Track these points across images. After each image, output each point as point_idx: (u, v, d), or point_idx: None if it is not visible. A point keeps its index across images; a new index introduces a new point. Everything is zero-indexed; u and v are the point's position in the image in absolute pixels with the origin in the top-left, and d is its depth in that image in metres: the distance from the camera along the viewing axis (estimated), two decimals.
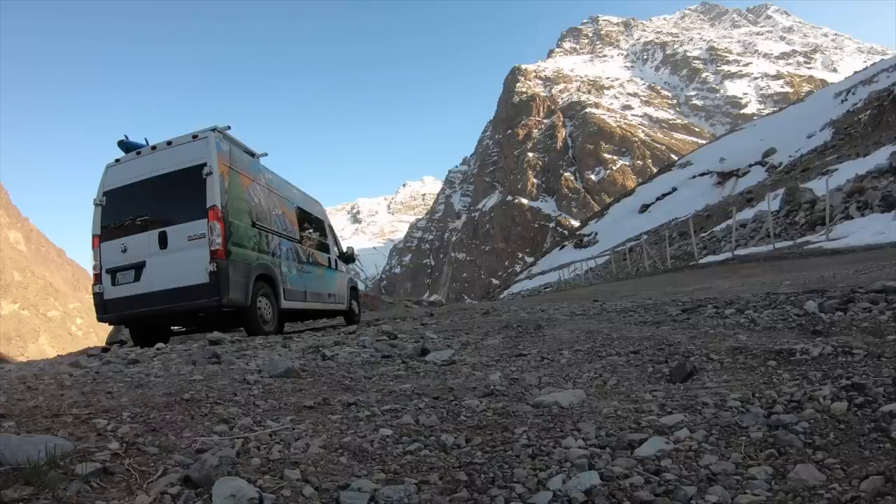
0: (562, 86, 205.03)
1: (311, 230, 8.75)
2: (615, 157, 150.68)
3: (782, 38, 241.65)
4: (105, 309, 6.37)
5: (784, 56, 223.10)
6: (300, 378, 3.46)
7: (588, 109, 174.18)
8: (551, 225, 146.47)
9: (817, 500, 1.39)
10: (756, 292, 5.47)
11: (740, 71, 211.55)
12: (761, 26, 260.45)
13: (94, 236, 6.49)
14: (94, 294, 6.42)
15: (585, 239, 59.90)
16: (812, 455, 1.64)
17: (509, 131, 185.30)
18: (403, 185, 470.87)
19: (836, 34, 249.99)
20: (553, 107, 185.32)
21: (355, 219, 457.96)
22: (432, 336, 5.42)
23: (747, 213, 22.94)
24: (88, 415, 2.45)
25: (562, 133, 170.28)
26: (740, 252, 16.10)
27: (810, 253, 11.87)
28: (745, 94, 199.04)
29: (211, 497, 1.55)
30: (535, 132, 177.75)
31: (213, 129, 6.46)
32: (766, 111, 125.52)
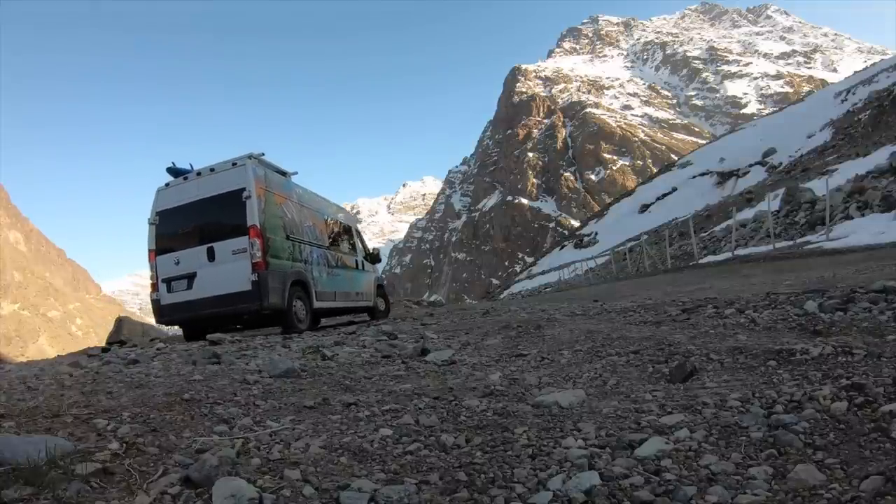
0: (562, 86, 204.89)
1: (339, 236, 9.60)
2: (615, 157, 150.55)
3: (782, 38, 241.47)
4: (162, 313, 7.27)
5: (784, 56, 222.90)
6: (300, 378, 3.46)
7: (588, 109, 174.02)
8: (551, 225, 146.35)
9: (817, 500, 1.39)
10: (756, 292, 5.47)
11: (740, 71, 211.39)
12: (761, 26, 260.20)
13: (150, 251, 7.35)
14: (153, 300, 7.32)
15: (585, 239, 59.88)
16: (812, 455, 1.64)
17: (509, 131, 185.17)
18: (403, 185, 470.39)
19: (836, 34, 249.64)
20: (553, 107, 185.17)
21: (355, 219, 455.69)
22: (432, 336, 5.42)
23: (747, 213, 22.90)
24: (88, 415, 2.45)
25: (562, 133, 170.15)
26: (740, 252, 16.08)
27: (810, 253, 11.86)
28: (745, 94, 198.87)
29: (211, 497, 1.55)
30: (535, 132, 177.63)
31: (250, 157, 7.25)
32: (766, 111, 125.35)
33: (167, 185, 7.56)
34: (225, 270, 6.79)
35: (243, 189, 6.84)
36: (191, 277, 7.00)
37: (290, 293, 7.10)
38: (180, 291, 7.06)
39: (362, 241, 10.64)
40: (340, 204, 10.93)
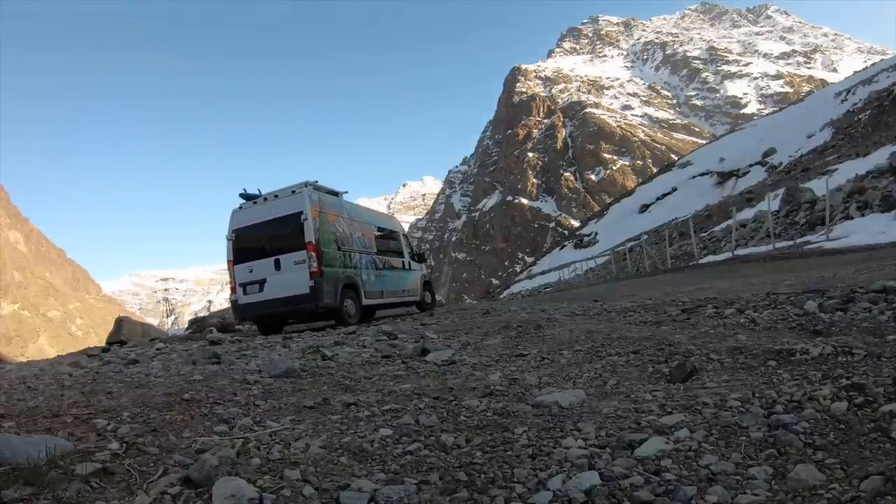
0: (562, 86, 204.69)
1: (386, 242, 10.93)
2: (615, 157, 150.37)
3: (782, 38, 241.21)
4: (239, 311, 8.84)
5: (784, 56, 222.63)
6: (300, 378, 3.46)
7: (588, 109, 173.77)
8: (551, 225, 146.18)
9: (817, 500, 1.39)
10: (756, 292, 5.47)
11: (740, 71, 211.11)
12: (761, 26, 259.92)
13: (228, 261, 8.95)
14: (232, 301, 8.94)
15: (585, 239, 59.83)
16: (812, 455, 1.64)
17: (509, 131, 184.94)
18: (403, 185, 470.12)
19: (836, 34, 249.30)
20: (553, 107, 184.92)
21: None
22: (432, 336, 5.42)
23: (747, 213, 22.87)
24: (88, 415, 2.46)
25: (562, 133, 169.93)
26: (740, 252, 16.07)
27: (810, 253, 11.84)
28: (745, 94, 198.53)
29: (211, 497, 1.55)
30: (535, 132, 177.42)
31: (306, 184, 8.73)
32: (766, 111, 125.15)
33: (240, 207, 9.04)
34: (289, 277, 8.24)
35: (301, 212, 8.28)
36: (262, 282, 8.52)
37: (341, 294, 8.52)
38: (253, 294, 8.59)
39: (409, 244, 11.99)
40: None
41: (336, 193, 9.66)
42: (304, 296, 8.10)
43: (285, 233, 8.43)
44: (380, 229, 10.88)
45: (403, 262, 11.38)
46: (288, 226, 8.39)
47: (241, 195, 9.19)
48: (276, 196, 8.76)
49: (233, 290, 8.87)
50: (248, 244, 8.83)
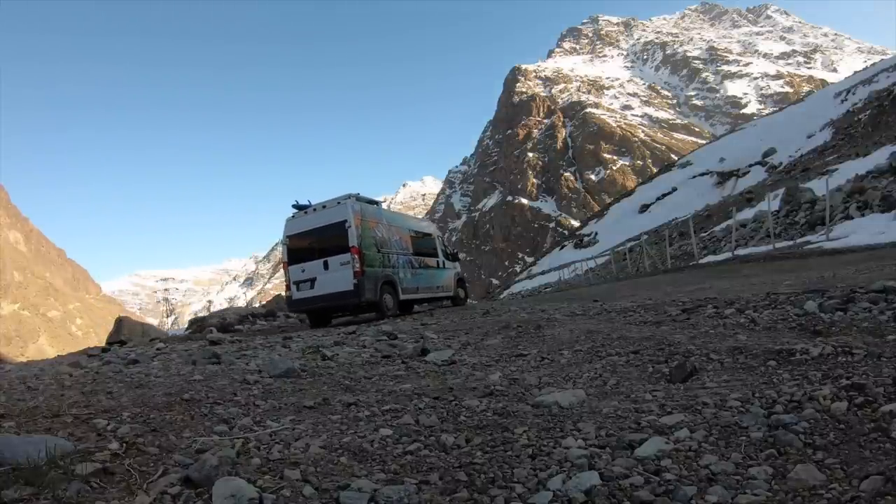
0: (562, 86, 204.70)
1: (421, 244, 12.24)
2: (615, 157, 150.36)
3: (782, 38, 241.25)
4: (293, 305, 10.21)
5: (784, 56, 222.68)
6: (300, 378, 3.46)
7: (588, 109, 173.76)
8: (551, 225, 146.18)
9: (817, 500, 1.39)
10: (756, 292, 5.46)
11: (740, 71, 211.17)
12: (761, 26, 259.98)
13: (283, 263, 10.39)
14: (287, 297, 10.33)
15: (585, 239, 59.80)
16: (812, 455, 1.63)
17: (509, 131, 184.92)
18: (403, 186, 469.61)
19: (836, 34, 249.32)
20: (553, 107, 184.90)
21: None
22: (432, 336, 5.42)
23: (747, 213, 22.86)
24: (88, 415, 2.46)
25: (562, 133, 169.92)
26: (740, 252, 16.06)
27: (810, 253, 11.84)
28: (745, 94, 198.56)
29: (211, 497, 1.55)
30: (535, 132, 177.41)
31: (349, 197, 9.97)
32: (766, 111, 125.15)
33: (293, 216, 10.31)
34: (335, 276, 9.46)
35: (345, 220, 9.53)
36: (312, 281, 9.75)
37: (380, 290, 9.73)
38: (305, 290, 9.85)
39: (444, 245, 13.31)
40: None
41: (376, 203, 11.00)
42: (349, 292, 9.31)
43: (332, 238, 9.65)
44: (416, 233, 12.20)
45: (438, 261, 12.70)
46: (334, 232, 9.61)
47: (294, 206, 10.47)
48: (323, 206, 10.07)
49: (287, 287, 10.14)
50: (300, 247, 10.10)
